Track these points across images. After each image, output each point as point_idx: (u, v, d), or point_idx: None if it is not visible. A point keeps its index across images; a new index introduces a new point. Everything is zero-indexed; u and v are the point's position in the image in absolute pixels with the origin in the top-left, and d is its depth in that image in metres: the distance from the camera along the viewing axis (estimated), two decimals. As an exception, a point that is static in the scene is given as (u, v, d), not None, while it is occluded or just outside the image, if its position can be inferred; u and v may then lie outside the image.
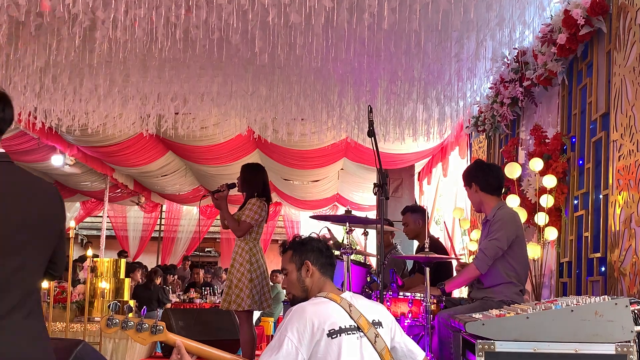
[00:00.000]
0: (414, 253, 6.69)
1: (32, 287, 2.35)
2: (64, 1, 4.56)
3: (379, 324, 3.06)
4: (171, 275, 14.12)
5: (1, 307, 2.23)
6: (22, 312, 2.28)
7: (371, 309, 3.12)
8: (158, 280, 11.66)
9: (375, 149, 4.45)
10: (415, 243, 6.96)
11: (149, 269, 12.91)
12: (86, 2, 4.57)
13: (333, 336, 2.89)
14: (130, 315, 2.64)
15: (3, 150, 2.41)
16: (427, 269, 4.53)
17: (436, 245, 6.20)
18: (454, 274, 6.34)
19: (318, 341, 2.87)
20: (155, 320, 2.65)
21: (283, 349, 2.84)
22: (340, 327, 2.93)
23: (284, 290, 3.84)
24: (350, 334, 2.94)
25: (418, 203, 11.30)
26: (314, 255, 3.22)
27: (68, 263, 2.70)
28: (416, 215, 6.52)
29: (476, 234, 6.65)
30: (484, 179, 4.77)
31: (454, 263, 6.68)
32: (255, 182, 6.17)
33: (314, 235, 3.50)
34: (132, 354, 7.80)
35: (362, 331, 2.97)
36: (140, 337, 2.62)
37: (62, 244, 2.53)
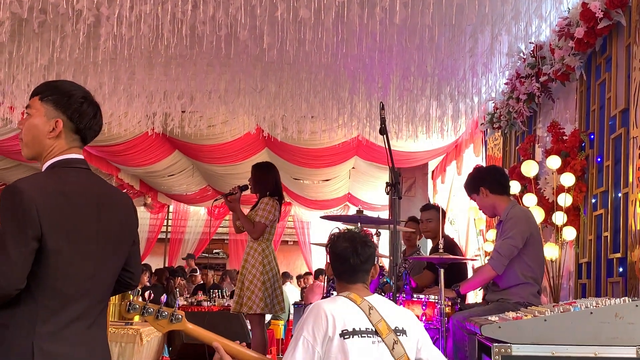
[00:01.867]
0: (428, 254, 6.68)
1: (100, 297, 2.37)
2: (68, -3, 4.59)
3: (403, 331, 3.02)
4: (179, 278, 14.14)
5: (66, 315, 2.24)
6: (86, 322, 2.30)
7: (397, 315, 3.08)
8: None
9: (387, 147, 4.45)
10: (429, 243, 6.94)
11: (154, 270, 12.95)
12: (90, -2, 4.59)
13: (345, 337, 2.89)
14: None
15: (82, 157, 2.43)
16: (442, 271, 4.53)
17: (451, 246, 6.19)
18: (469, 275, 6.34)
19: (330, 339, 2.88)
20: (174, 308, 2.74)
21: (299, 349, 2.88)
22: (354, 329, 2.92)
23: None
24: (364, 337, 2.92)
25: (432, 202, 11.29)
26: (333, 262, 3.24)
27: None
28: (439, 214, 6.51)
29: (492, 234, 6.63)
30: (493, 180, 4.78)
31: (469, 264, 6.68)
32: (266, 182, 6.20)
33: (336, 230, 3.47)
34: (139, 359, 7.83)
35: (379, 336, 2.95)
36: (160, 324, 2.73)
37: (136, 252, 2.58)
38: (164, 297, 2.83)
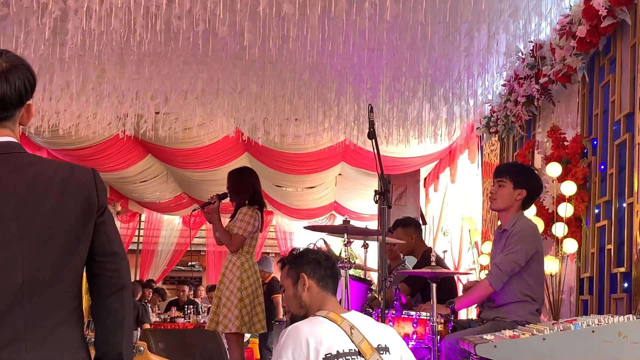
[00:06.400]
0: (412, 268, 6.68)
1: (45, 308, 2.09)
2: (33, -11, 4.57)
3: (386, 349, 3.04)
4: (149, 290, 14.05)
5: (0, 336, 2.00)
6: (30, 342, 2.03)
7: (378, 332, 3.11)
8: (137, 297, 11.64)
9: (376, 152, 4.45)
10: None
11: None
12: (57, -11, 4.58)
13: None
14: None
15: (6, 139, 2.15)
16: (434, 285, 4.53)
17: (438, 260, 6.20)
18: (459, 291, 6.35)
19: None
20: (135, 340, 2.67)
21: None
22: (337, 352, 2.92)
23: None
24: (348, 359, 2.93)
25: (424, 212, 11.32)
26: (311, 267, 3.25)
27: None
28: (408, 228, 6.55)
29: (487, 246, 6.64)
30: (535, 195, 4.71)
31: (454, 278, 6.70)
32: (243, 189, 6.16)
33: (311, 246, 3.53)
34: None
35: (363, 357, 2.96)
36: None
37: (104, 233, 2.21)
38: None
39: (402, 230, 6.56)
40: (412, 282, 6.07)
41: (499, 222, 4.90)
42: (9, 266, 2.04)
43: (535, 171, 5.03)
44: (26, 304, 2.05)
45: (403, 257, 7.11)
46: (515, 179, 4.62)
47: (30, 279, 2.06)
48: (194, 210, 7.07)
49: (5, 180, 2.08)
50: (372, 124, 4.56)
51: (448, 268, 6.67)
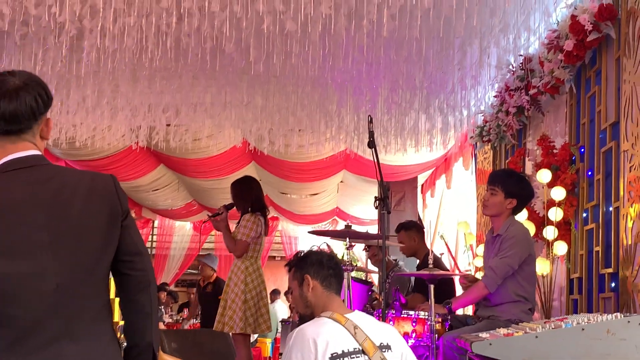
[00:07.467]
0: (414, 270, 6.67)
1: (79, 306, 2.11)
2: (50, 9, 4.58)
3: (388, 347, 3.04)
4: (163, 293, 14.07)
5: (34, 341, 2.02)
6: (68, 338, 2.07)
7: (380, 331, 3.10)
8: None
9: (376, 160, 4.46)
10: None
11: None
12: (73, 10, 4.58)
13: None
14: (122, 336, 2.65)
15: (27, 153, 2.16)
16: (432, 286, 4.52)
17: (437, 262, 6.18)
18: (457, 291, 6.33)
19: None
20: None
21: None
22: (343, 351, 2.92)
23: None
24: (353, 357, 2.93)
25: (421, 216, 11.30)
26: (314, 269, 3.24)
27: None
28: (410, 232, 6.53)
29: (482, 249, 6.63)
30: (525, 202, 4.72)
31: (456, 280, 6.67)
32: (246, 197, 6.16)
33: (314, 248, 3.53)
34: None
35: (366, 355, 2.95)
36: None
37: (127, 236, 2.24)
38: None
39: (405, 234, 6.55)
40: (426, 289, 5.99)
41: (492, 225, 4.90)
42: (42, 273, 2.06)
43: (527, 178, 5.02)
44: (61, 306, 2.07)
45: (395, 260, 7.11)
46: (506, 188, 4.63)
47: (64, 283, 2.08)
48: (205, 221, 7.08)
49: (32, 193, 2.10)
50: (371, 134, 4.56)
51: (447, 269, 6.65)
